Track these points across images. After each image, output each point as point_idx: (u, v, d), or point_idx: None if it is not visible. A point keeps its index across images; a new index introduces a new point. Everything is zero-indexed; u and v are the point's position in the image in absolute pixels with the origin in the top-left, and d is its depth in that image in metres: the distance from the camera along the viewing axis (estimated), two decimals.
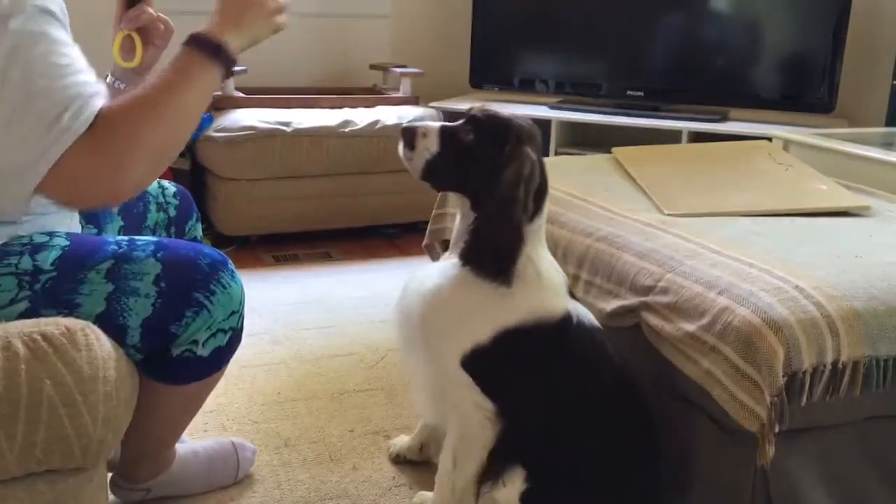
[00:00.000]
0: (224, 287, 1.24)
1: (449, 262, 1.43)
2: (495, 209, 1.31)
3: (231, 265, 1.28)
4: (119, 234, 1.48)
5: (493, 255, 1.31)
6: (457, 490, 1.42)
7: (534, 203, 1.35)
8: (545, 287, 1.38)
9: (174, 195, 1.62)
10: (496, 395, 1.36)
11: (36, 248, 1.18)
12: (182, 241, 1.32)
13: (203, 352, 1.26)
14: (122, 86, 1.41)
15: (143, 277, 1.19)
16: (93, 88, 1.07)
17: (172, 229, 1.61)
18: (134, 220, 1.54)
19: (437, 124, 1.39)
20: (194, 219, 1.65)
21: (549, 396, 1.37)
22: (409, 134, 1.37)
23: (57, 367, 1.03)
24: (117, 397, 1.09)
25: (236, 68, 1.26)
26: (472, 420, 1.37)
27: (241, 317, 1.31)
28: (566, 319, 1.37)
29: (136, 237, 1.27)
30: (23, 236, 1.20)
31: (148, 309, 1.19)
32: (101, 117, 1.05)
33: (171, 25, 1.42)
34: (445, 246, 2.29)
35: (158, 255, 1.22)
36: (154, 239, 1.27)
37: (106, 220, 1.49)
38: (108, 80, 1.42)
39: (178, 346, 1.24)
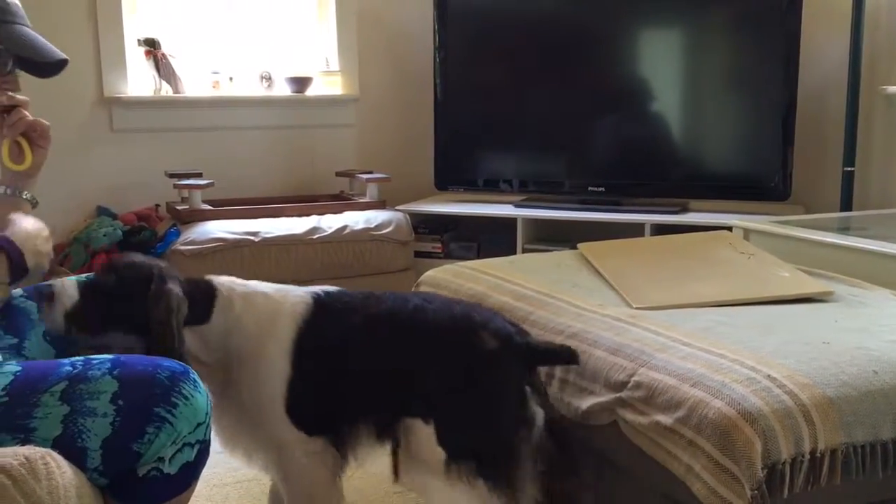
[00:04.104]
0: (186, 398, 1.20)
1: None
2: (155, 343, 1.40)
3: (193, 375, 1.24)
4: (45, 339, 1.46)
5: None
6: None
7: (205, 304, 1.51)
8: (278, 307, 1.52)
9: None
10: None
11: None
12: (140, 356, 1.29)
13: (170, 469, 1.21)
14: (8, 191, 1.44)
15: (100, 396, 1.16)
16: None
17: None
18: None
19: (72, 279, 1.45)
20: None
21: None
22: (41, 294, 1.40)
23: (16, 500, 0.99)
24: None
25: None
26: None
27: (209, 427, 1.27)
28: (315, 306, 1.53)
29: (93, 356, 1.24)
30: None
31: (107, 429, 1.15)
32: None
33: (46, 125, 1.45)
34: None
35: (115, 372, 1.19)
36: (111, 357, 1.24)
37: (27, 327, 1.45)
38: None
39: (144, 466, 1.20)
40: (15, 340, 1.42)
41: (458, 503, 1.46)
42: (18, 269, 1.28)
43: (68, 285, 1.41)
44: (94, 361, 1.21)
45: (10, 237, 1.28)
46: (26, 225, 1.33)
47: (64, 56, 1.42)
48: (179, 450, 1.21)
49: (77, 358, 1.23)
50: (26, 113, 1.42)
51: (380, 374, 1.50)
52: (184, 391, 1.21)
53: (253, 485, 2.06)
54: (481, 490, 1.44)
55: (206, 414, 1.25)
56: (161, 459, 1.20)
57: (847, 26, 3.19)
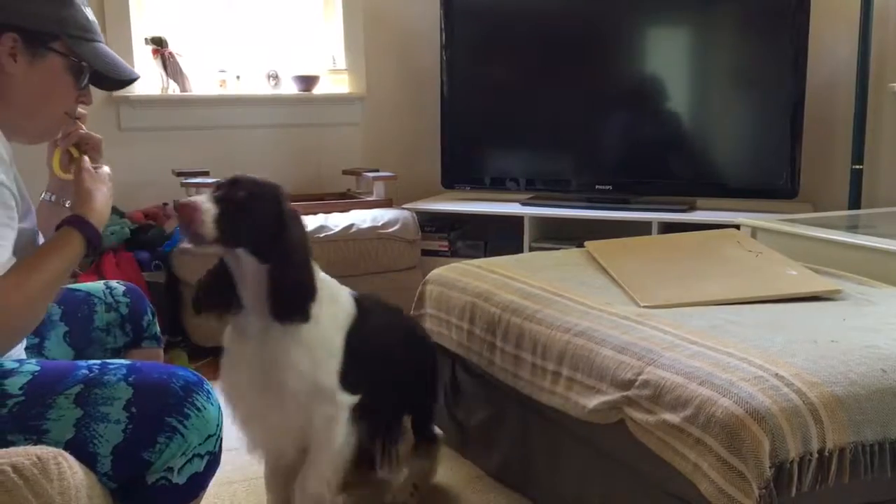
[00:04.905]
0: (199, 410, 1.21)
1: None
2: (296, 260, 1.50)
3: (207, 386, 1.25)
4: (65, 340, 1.50)
5: (302, 299, 1.50)
6: None
7: None
8: (339, 297, 1.64)
9: (124, 293, 1.62)
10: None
11: (4, 374, 1.17)
12: (156, 363, 1.30)
13: (179, 479, 1.21)
14: (53, 198, 1.48)
15: (114, 402, 1.17)
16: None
17: (128, 327, 1.60)
18: (80, 323, 1.53)
19: (204, 195, 1.47)
20: (150, 314, 1.64)
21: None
22: (185, 209, 1.43)
23: (28, 499, 1.00)
24: None
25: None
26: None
27: (220, 439, 1.27)
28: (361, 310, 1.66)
29: (110, 360, 1.25)
30: None
31: (118, 435, 1.16)
32: None
33: (99, 139, 1.49)
34: None
35: (130, 378, 1.19)
36: (127, 362, 1.25)
37: (48, 328, 1.48)
38: (43, 196, 1.48)
39: (153, 474, 1.20)
40: (36, 340, 1.44)
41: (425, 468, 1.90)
42: (94, 248, 1.31)
43: (203, 199, 1.44)
44: (111, 366, 1.22)
45: (85, 216, 1.31)
46: (100, 199, 1.37)
47: (138, 74, 1.47)
48: (189, 460, 1.22)
49: (94, 361, 1.24)
50: (82, 125, 1.46)
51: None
52: (197, 402, 1.21)
53: (260, 483, 2.06)
54: (437, 453, 1.94)
55: (218, 426, 1.25)
56: (170, 469, 1.21)
57: (855, 24, 3.18)
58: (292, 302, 1.49)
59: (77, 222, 1.30)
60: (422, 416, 1.88)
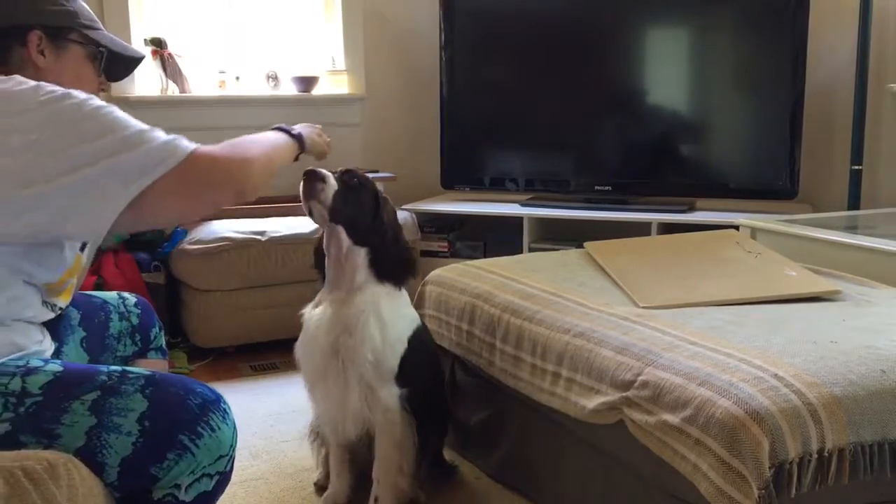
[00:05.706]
0: (212, 429, 1.19)
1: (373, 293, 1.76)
2: (392, 234, 1.77)
3: (224, 405, 1.24)
4: (82, 345, 1.52)
5: (405, 264, 1.79)
6: None
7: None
8: (410, 308, 1.88)
9: (135, 304, 1.68)
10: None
11: (28, 372, 1.17)
12: (176, 376, 1.30)
13: (185, 497, 1.20)
14: None
15: (128, 414, 1.16)
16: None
17: (137, 336, 1.65)
18: (96, 330, 1.55)
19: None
20: (157, 327, 1.69)
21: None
22: (316, 174, 1.67)
23: (36, 503, 1.00)
24: None
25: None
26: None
27: (231, 459, 1.25)
28: (423, 324, 1.92)
29: (130, 368, 1.25)
30: (20, 358, 1.19)
31: (128, 448, 1.15)
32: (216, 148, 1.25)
33: None
34: None
35: (147, 390, 1.18)
36: (147, 372, 1.24)
37: (67, 333, 1.49)
38: None
39: (160, 489, 1.19)
40: (55, 345, 1.43)
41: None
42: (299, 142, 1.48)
43: (329, 174, 1.68)
44: (130, 375, 1.21)
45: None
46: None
47: (143, 53, 1.58)
48: (197, 479, 1.20)
49: (115, 368, 1.24)
50: None
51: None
52: (211, 422, 1.20)
53: (259, 484, 2.06)
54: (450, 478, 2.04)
55: (231, 447, 1.23)
56: (177, 486, 1.19)
57: (855, 24, 3.18)
58: (394, 270, 1.76)
59: (294, 134, 1.48)
60: (435, 444, 1.98)
